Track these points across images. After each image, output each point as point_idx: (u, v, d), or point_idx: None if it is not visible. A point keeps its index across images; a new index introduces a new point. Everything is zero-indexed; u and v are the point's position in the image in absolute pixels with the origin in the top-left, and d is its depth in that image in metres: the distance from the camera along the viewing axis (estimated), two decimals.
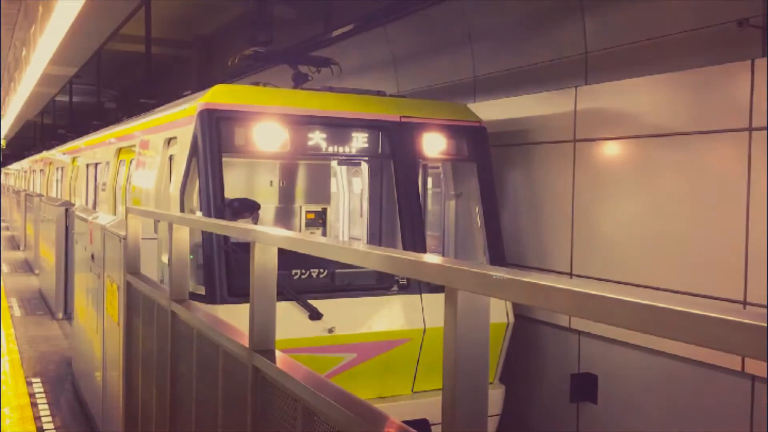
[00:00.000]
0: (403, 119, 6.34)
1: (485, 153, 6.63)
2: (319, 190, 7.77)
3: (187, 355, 3.68)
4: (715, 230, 5.15)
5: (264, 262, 2.78)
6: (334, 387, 2.31)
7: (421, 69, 9.01)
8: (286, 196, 7.62)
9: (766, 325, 0.98)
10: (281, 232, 2.93)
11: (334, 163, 7.86)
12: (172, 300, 3.92)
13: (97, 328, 6.12)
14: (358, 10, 8.78)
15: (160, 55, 17.09)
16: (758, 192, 4.83)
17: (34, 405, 7.21)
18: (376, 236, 7.26)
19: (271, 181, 7.54)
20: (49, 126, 31.56)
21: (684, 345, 4.98)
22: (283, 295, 5.39)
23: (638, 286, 5.69)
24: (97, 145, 11.79)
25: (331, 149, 6.21)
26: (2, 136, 41.80)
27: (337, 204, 8.07)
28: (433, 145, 6.44)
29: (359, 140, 6.30)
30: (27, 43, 22.48)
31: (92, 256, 6.43)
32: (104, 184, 10.25)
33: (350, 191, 8.10)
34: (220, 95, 5.83)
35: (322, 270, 5.88)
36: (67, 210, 11.37)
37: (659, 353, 5.53)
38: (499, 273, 1.55)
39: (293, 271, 5.80)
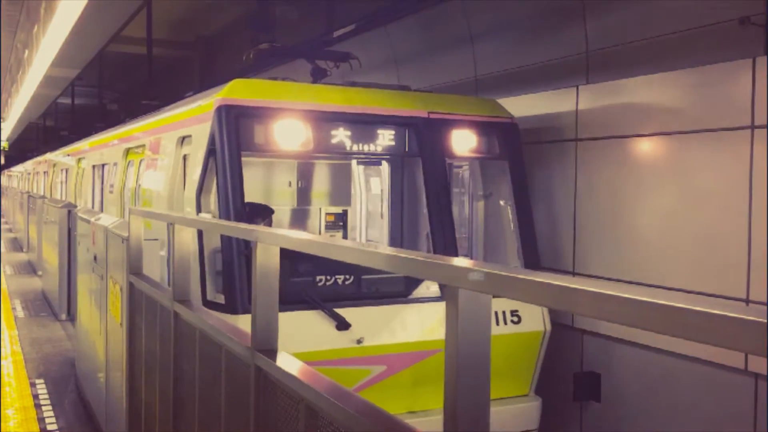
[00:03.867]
0: (432, 115, 6.01)
1: (517, 151, 6.30)
2: (340, 191, 7.42)
3: (190, 355, 3.69)
4: (721, 229, 5.15)
5: (266, 262, 2.79)
6: (336, 386, 2.31)
7: (423, 68, 9.01)
8: (305, 197, 7.26)
9: (766, 321, 0.98)
10: (283, 231, 2.94)
11: (352, 163, 7.53)
12: (174, 300, 3.92)
13: (100, 329, 6.13)
14: (360, 10, 8.78)
15: (162, 57, 17.14)
16: (759, 190, 4.82)
17: (37, 406, 7.22)
18: (397, 239, 6.90)
19: (290, 182, 7.20)
20: (52, 128, 31.63)
21: (687, 343, 4.98)
22: (308, 303, 5.11)
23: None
24: (103, 146, 11.50)
25: (355, 147, 5.86)
26: (5, 139, 41.87)
27: (354, 205, 7.70)
28: (463, 142, 6.11)
29: (385, 138, 5.96)
30: (29, 44, 22.53)
31: (95, 258, 6.44)
32: (112, 186, 9.92)
33: (368, 192, 7.68)
34: (238, 90, 5.51)
35: (347, 276, 5.53)
36: (69, 212, 11.39)
37: (662, 351, 5.53)
38: (501, 271, 1.55)
39: (317, 278, 5.44)
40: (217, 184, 5.32)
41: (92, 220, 6.75)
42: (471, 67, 8.06)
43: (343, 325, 5.15)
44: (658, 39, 5.82)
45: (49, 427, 6.65)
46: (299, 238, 2.63)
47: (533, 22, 7.22)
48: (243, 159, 5.44)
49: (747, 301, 4.91)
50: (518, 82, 7.33)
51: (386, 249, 2.09)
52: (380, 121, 5.91)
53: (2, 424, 6.61)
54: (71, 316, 10.96)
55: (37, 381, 8.08)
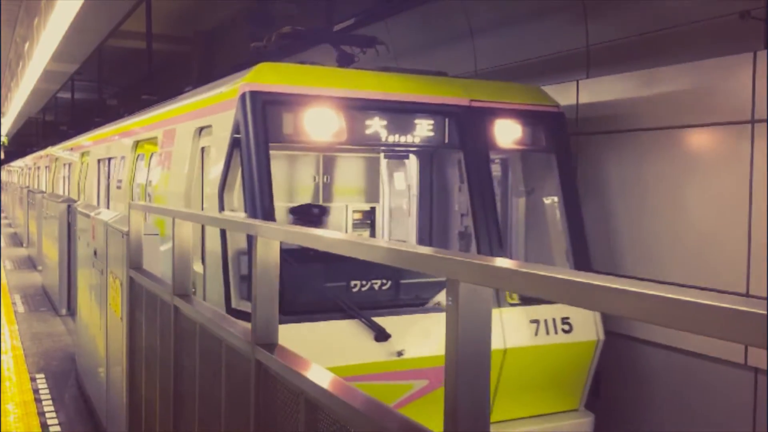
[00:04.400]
0: (474, 103, 5.55)
1: (565, 143, 5.83)
2: (368, 187, 6.95)
3: (190, 349, 3.69)
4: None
5: (266, 256, 2.79)
6: (335, 380, 2.31)
7: (422, 63, 8.99)
8: (330, 193, 6.82)
9: (766, 312, 0.98)
10: (283, 225, 2.94)
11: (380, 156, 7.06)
12: (174, 295, 3.93)
13: (101, 324, 6.13)
14: (360, 4, 8.77)
15: (161, 51, 17.13)
16: (759, 189, 4.84)
17: (38, 401, 7.23)
18: (425, 238, 6.56)
19: (314, 177, 6.76)
20: (51, 123, 31.63)
21: (687, 338, 4.99)
22: (343, 312, 4.72)
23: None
24: (110, 138, 10.98)
25: (391, 138, 5.36)
26: (4, 133, 41.87)
27: (381, 202, 7.18)
28: (508, 133, 5.65)
29: (423, 128, 5.45)
30: (28, 39, 22.51)
31: (95, 252, 6.45)
32: (119, 181, 9.38)
33: (394, 188, 7.17)
34: (265, 75, 5.03)
35: (384, 281, 5.13)
36: (69, 206, 11.38)
37: (661, 346, 5.53)
38: (501, 263, 1.56)
39: (352, 283, 5.05)
40: (243, 179, 4.87)
41: (92, 214, 6.75)
42: (471, 62, 8.05)
43: (382, 335, 4.72)
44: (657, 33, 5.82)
45: (49, 422, 6.66)
46: (299, 232, 2.63)
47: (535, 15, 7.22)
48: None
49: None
50: (517, 76, 7.33)
51: (385, 242, 2.08)
52: (419, 109, 5.43)
53: (3, 418, 6.63)
54: (71, 311, 10.97)
55: (38, 376, 8.09)
